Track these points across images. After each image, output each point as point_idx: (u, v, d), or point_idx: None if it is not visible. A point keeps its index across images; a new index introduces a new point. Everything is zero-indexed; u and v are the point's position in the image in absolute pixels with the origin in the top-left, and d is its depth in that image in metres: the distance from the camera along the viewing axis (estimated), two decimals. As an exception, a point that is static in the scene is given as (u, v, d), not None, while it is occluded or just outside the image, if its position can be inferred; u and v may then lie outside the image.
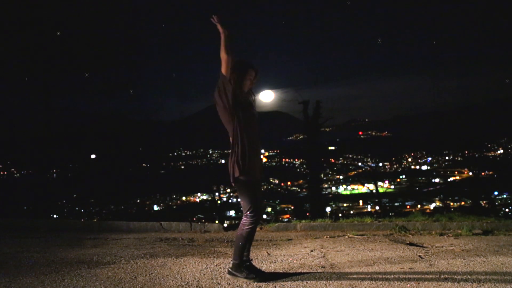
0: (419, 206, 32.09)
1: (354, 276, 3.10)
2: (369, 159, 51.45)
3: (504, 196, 30.81)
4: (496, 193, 28.58)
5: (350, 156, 50.87)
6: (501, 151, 42.79)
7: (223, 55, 2.83)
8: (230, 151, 2.95)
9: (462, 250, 4.02)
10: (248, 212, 2.90)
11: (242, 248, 2.95)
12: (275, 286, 2.86)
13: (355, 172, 47.85)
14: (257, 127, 3.04)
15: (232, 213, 28.59)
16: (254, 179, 2.94)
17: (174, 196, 40.71)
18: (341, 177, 46.46)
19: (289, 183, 43.21)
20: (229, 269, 3.03)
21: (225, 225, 6.06)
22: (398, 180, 46.36)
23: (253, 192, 2.93)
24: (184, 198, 40.88)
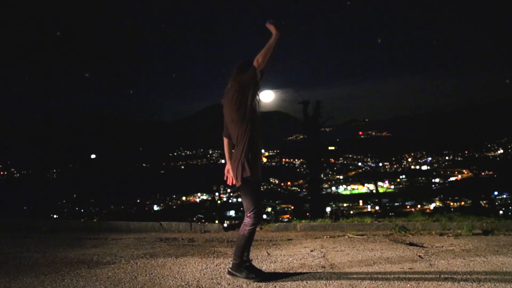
0: (419, 206, 32.07)
1: (354, 276, 3.10)
2: (369, 159, 51.44)
3: (504, 196, 30.81)
4: (496, 193, 28.57)
5: (350, 156, 50.86)
6: (501, 151, 42.76)
7: (261, 57, 2.80)
8: (235, 148, 2.95)
9: (462, 250, 4.02)
10: (251, 213, 2.91)
11: (243, 248, 2.96)
12: (275, 286, 2.86)
13: (355, 172, 47.85)
14: (259, 127, 3.07)
15: (232, 213, 28.59)
16: (258, 179, 2.96)
17: (174, 196, 40.71)
18: (341, 177, 46.46)
19: (289, 183, 43.22)
20: (229, 269, 3.03)
21: (225, 225, 6.06)
22: (398, 180, 46.33)
23: (258, 192, 2.96)
24: (184, 198, 40.88)
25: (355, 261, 3.59)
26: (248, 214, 2.92)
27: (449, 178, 44.70)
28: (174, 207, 38.68)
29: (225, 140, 3.13)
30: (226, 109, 2.98)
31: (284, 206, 33.06)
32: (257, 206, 2.91)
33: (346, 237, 5.02)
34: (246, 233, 2.91)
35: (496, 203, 25.49)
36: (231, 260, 3.03)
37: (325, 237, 5.04)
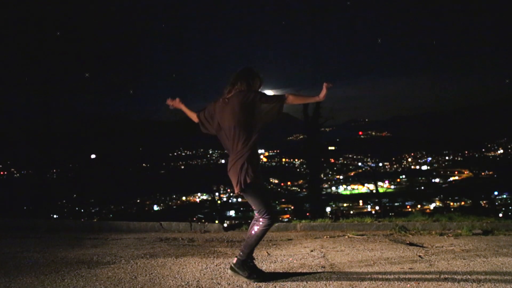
0: (419, 206, 32.09)
1: (354, 276, 3.10)
2: (369, 159, 51.42)
3: (504, 196, 30.80)
4: (496, 193, 28.57)
5: (350, 156, 50.85)
6: (501, 151, 42.77)
7: (295, 100, 2.96)
8: (235, 155, 2.92)
9: (462, 250, 4.02)
10: (265, 214, 2.92)
11: (253, 247, 2.98)
12: (275, 286, 2.86)
13: (355, 172, 47.84)
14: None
15: (232, 213, 28.55)
16: (262, 181, 2.98)
17: (174, 196, 40.70)
18: (341, 177, 46.45)
19: (289, 183, 43.18)
20: (232, 265, 3.02)
21: (225, 225, 6.06)
22: (398, 180, 46.35)
23: (265, 194, 2.98)
24: (184, 198, 40.87)
25: (355, 261, 3.59)
26: (263, 216, 2.93)
27: (449, 178, 44.72)
28: (174, 207, 38.69)
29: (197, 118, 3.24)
30: (232, 111, 2.94)
31: (284, 206, 33.04)
32: (270, 208, 2.94)
33: (346, 237, 5.03)
34: (260, 233, 2.93)
35: (496, 203, 25.50)
36: (236, 256, 3.02)
37: (325, 237, 5.04)
